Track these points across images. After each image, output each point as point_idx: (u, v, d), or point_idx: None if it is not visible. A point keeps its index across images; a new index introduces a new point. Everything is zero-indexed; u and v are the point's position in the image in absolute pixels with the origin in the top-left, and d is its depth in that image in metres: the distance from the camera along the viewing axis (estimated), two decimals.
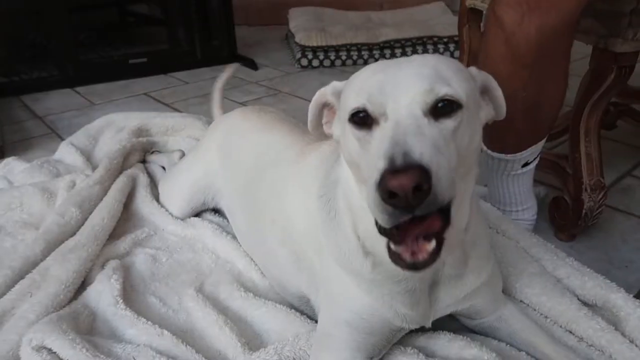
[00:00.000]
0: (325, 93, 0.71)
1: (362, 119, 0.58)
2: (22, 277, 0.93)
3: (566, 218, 1.10)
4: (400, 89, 0.57)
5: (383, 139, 0.55)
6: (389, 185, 0.49)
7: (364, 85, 0.60)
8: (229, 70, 1.44)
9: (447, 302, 0.74)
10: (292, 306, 0.89)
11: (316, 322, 0.81)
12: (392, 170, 0.50)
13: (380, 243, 0.63)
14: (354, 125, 0.60)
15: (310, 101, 0.73)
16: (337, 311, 0.74)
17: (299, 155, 0.89)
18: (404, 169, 0.49)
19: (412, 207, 0.50)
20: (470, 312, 0.80)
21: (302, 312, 0.87)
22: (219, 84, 1.42)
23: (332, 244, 0.73)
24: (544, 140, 1.01)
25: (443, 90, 0.57)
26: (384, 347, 0.75)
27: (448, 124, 0.57)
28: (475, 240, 0.73)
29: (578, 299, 0.86)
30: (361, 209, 0.67)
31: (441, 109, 0.57)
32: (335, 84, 0.70)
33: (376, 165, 0.52)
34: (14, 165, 1.39)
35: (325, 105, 0.72)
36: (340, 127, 0.66)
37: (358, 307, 0.72)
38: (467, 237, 0.71)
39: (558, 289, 0.86)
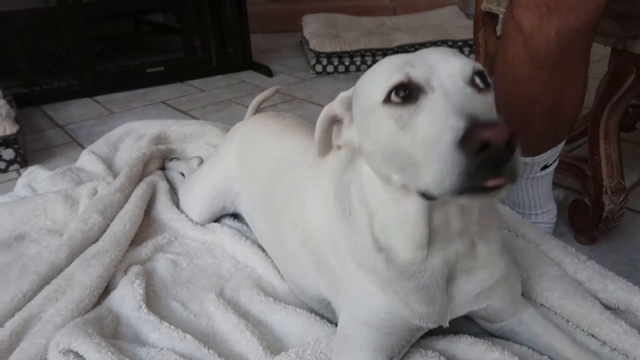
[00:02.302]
0: (332, 107, 0.70)
1: (405, 97, 0.56)
2: (47, 283, 0.95)
3: (586, 221, 1.09)
4: (437, 62, 0.57)
5: (442, 104, 0.53)
6: (484, 136, 0.47)
7: (394, 65, 0.59)
8: (272, 90, 1.44)
9: (462, 300, 0.74)
10: (312, 310, 0.89)
11: (336, 325, 0.81)
12: (482, 124, 0.48)
13: (394, 237, 0.68)
14: (392, 105, 0.57)
15: (324, 107, 0.74)
16: (356, 311, 0.74)
17: (316, 158, 0.90)
18: (493, 123, 0.48)
19: (503, 161, 0.48)
20: (489, 314, 0.79)
21: (322, 316, 0.87)
22: (258, 99, 1.42)
23: (347, 242, 0.74)
24: (563, 143, 1.00)
25: (478, 65, 0.58)
26: (404, 347, 0.75)
27: (489, 97, 0.58)
28: (485, 233, 0.72)
29: (600, 302, 0.85)
30: (379, 204, 0.68)
31: (478, 83, 0.58)
32: (342, 95, 0.70)
33: (448, 126, 0.50)
34: (37, 174, 1.43)
35: (334, 121, 0.71)
36: (359, 127, 0.66)
37: (375, 306, 0.72)
38: (477, 227, 0.70)
39: (579, 292, 0.85)
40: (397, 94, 0.56)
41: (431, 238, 0.66)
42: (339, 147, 0.72)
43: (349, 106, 0.68)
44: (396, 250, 0.68)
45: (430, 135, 0.52)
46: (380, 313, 0.72)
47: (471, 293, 0.74)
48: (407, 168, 0.56)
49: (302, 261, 0.86)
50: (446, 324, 0.75)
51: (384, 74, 0.59)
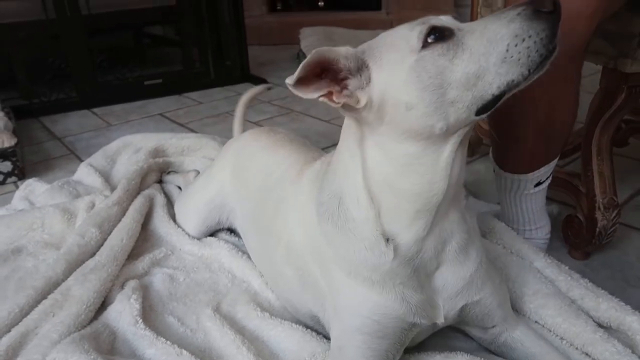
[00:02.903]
0: (336, 53, 0.64)
1: (438, 38, 0.61)
2: (44, 297, 0.96)
3: (580, 236, 1.10)
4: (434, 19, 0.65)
5: (488, 18, 0.62)
6: None
7: (410, 25, 0.64)
8: (256, 90, 1.44)
9: (455, 286, 0.74)
10: (307, 326, 0.89)
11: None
12: None
13: (402, 219, 0.68)
14: (434, 46, 0.61)
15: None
16: (347, 321, 0.75)
17: (298, 174, 0.91)
18: None
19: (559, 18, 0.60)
20: (483, 313, 0.79)
21: (317, 332, 0.88)
22: (242, 101, 1.42)
23: (339, 251, 0.74)
24: (556, 160, 1.02)
25: None
26: (398, 351, 0.76)
27: None
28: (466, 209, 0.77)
29: (593, 320, 0.85)
30: (387, 188, 0.68)
31: None
32: (349, 49, 0.65)
33: (513, 13, 0.60)
34: (35, 187, 1.43)
35: (322, 68, 0.64)
36: (389, 90, 0.63)
37: (369, 310, 0.73)
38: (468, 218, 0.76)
39: (573, 310, 0.86)
40: (430, 37, 0.61)
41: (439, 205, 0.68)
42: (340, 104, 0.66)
43: (357, 67, 0.65)
44: (401, 235, 0.69)
45: (494, 35, 0.60)
46: (373, 316, 0.72)
47: (464, 275, 0.75)
48: (466, 93, 0.61)
49: (288, 276, 0.87)
50: (441, 320, 0.75)
51: (405, 30, 0.64)
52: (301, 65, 0.62)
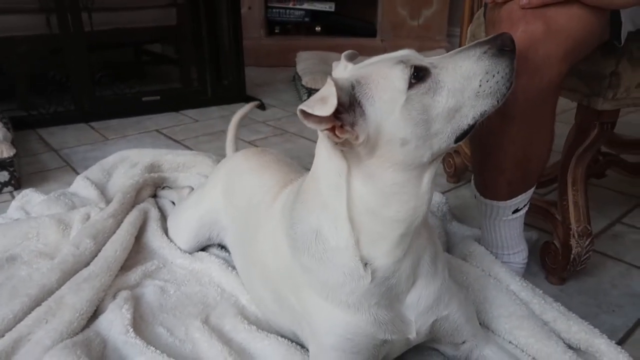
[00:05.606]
0: (337, 86, 0.62)
1: (418, 77, 0.66)
2: (38, 305, 0.98)
3: (556, 262, 1.15)
4: (408, 55, 0.70)
5: (456, 54, 0.69)
6: (507, 36, 0.68)
7: (392, 63, 0.67)
8: (248, 107, 1.50)
9: (428, 299, 0.79)
10: (291, 340, 0.92)
11: None
12: (496, 35, 0.68)
13: (382, 244, 0.72)
14: (417, 86, 0.65)
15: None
16: (322, 339, 0.79)
17: (273, 198, 0.94)
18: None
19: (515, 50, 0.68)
20: (452, 328, 0.83)
21: (302, 346, 0.91)
22: (235, 120, 1.48)
23: (319, 279, 0.76)
24: (533, 189, 1.07)
25: None
26: None
27: None
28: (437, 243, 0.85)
29: (563, 342, 0.90)
30: (371, 216, 0.71)
31: None
32: (342, 80, 0.65)
33: (479, 51, 0.68)
34: (31, 197, 1.46)
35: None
36: (385, 128, 0.66)
37: (342, 330, 0.77)
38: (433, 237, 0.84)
39: (545, 332, 0.90)
40: (413, 77, 0.66)
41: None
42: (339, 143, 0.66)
43: (349, 102, 0.65)
44: (380, 259, 0.73)
45: (467, 72, 0.67)
46: (347, 335, 0.76)
47: (435, 289, 0.80)
48: (447, 125, 0.67)
49: (266, 299, 0.92)
50: (413, 335, 0.79)
51: (386, 68, 0.67)
52: (332, 95, 0.60)
